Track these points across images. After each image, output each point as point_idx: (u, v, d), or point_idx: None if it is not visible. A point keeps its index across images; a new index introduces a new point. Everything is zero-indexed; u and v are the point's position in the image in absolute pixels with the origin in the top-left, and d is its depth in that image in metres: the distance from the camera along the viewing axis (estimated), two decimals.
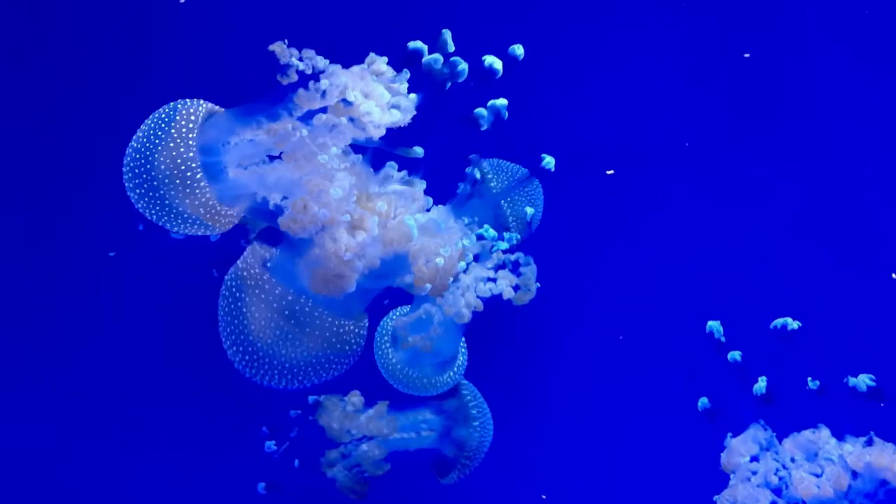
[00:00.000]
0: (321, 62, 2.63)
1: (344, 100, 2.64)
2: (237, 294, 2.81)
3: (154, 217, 2.73)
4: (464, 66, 2.76)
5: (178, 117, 2.66)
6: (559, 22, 3.82)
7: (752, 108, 3.83)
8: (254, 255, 2.87)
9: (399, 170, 2.87)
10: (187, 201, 2.64)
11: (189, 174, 2.61)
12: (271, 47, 2.58)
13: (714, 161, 3.83)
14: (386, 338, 3.25)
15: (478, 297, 2.99)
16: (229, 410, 3.72)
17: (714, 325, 3.22)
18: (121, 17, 3.76)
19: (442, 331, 3.10)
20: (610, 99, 3.86)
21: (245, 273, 2.80)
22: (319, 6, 3.78)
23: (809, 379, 3.09)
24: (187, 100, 2.73)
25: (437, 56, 2.75)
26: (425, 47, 2.76)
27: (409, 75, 2.73)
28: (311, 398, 3.23)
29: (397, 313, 3.31)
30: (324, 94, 2.62)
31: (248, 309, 2.79)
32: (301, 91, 2.62)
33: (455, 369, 3.31)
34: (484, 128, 2.89)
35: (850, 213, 3.76)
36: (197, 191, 2.62)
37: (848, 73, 3.79)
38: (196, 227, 2.73)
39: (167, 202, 2.66)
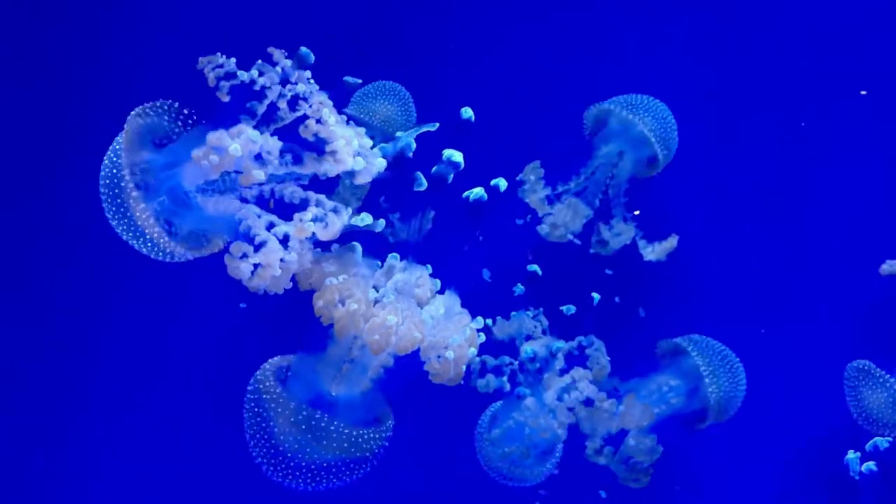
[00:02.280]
0: (307, 75, 2.75)
1: (318, 119, 2.73)
2: (256, 409, 2.92)
3: (123, 234, 2.76)
4: (409, 141, 2.93)
5: (127, 127, 2.70)
6: (557, 22, 3.80)
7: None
8: (270, 367, 2.98)
9: (402, 259, 2.98)
10: (132, 206, 2.65)
11: (125, 182, 2.64)
12: (270, 50, 2.72)
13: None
14: (484, 444, 3.32)
15: (569, 409, 3.10)
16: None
17: (852, 459, 3.34)
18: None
19: (537, 433, 3.16)
20: None
21: (261, 387, 2.92)
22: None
23: None
24: (149, 105, 2.78)
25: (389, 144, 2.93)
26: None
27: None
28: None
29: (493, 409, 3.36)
30: (293, 102, 2.72)
31: (266, 422, 2.88)
32: (272, 73, 2.70)
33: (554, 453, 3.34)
34: (450, 181, 3.02)
35: None
36: (132, 196, 2.63)
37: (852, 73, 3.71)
38: (150, 246, 2.74)
39: (125, 212, 2.69)
